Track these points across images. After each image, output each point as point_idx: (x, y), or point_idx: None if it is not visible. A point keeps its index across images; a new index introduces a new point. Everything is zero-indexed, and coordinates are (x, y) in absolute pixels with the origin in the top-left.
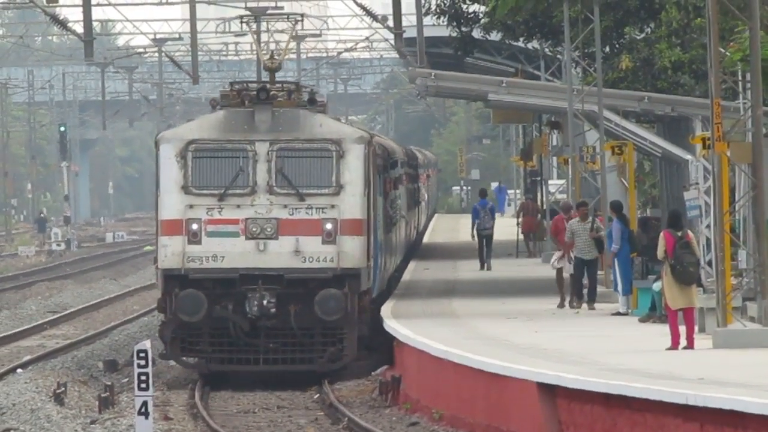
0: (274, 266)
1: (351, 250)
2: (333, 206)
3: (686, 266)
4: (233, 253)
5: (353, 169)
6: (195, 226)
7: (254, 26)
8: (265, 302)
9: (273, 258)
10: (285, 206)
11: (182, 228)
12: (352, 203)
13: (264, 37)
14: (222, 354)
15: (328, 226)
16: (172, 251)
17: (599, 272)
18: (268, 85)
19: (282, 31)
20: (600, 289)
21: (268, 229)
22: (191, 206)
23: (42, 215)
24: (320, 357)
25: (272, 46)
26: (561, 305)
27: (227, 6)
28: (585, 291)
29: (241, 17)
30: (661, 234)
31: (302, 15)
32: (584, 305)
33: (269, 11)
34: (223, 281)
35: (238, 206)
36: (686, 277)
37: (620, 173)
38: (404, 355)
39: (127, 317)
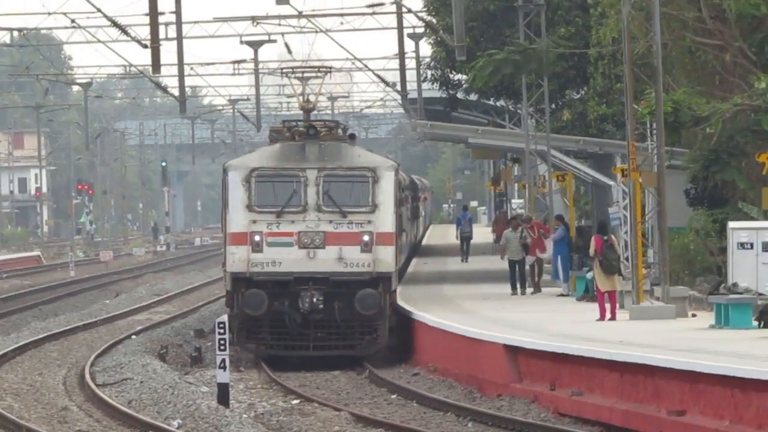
0: (322, 270)
1: (384, 258)
2: (369, 221)
3: (610, 261)
4: (289, 259)
5: (386, 191)
6: (257, 238)
7: (293, 77)
8: (314, 300)
9: (321, 264)
10: (330, 221)
11: (247, 239)
12: (385, 219)
13: (300, 85)
14: (279, 341)
15: (366, 237)
16: (239, 258)
17: (547, 265)
18: (315, 123)
19: (315, 82)
20: (546, 277)
21: (317, 240)
22: (254, 221)
23: (155, 226)
24: (359, 344)
25: (308, 92)
26: (523, 292)
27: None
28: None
29: (282, 69)
30: (592, 238)
31: (330, 68)
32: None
33: (305, 65)
34: (280, 282)
35: (293, 221)
36: (610, 268)
37: (563, 194)
38: (410, 325)
39: (210, 299)
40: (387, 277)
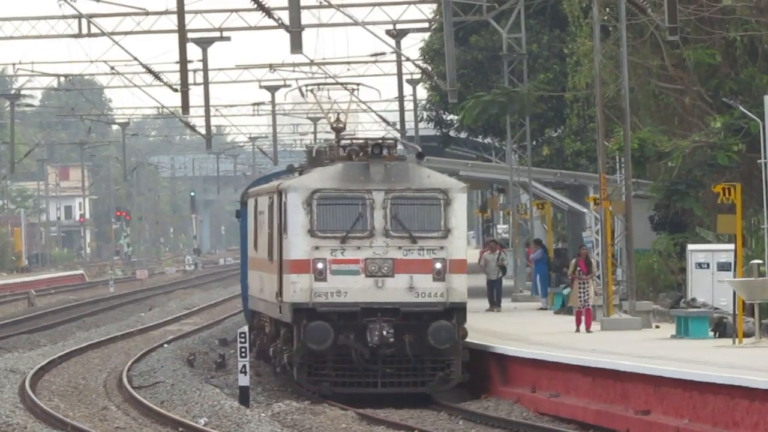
0: (391, 300)
1: (458, 287)
2: (442, 248)
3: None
4: (355, 288)
5: (459, 215)
6: (321, 265)
7: (319, 94)
8: (384, 332)
9: (390, 293)
10: (399, 248)
11: (309, 267)
12: (458, 245)
13: (327, 104)
14: (344, 378)
15: (438, 265)
16: (300, 287)
17: (528, 283)
18: (381, 142)
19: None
20: (527, 293)
21: (385, 268)
22: (317, 248)
23: (196, 248)
24: (430, 380)
25: (336, 110)
26: (498, 309)
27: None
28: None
29: (307, 86)
30: (577, 259)
31: (358, 84)
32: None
33: (330, 81)
34: (346, 314)
35: (359, 248)
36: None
37: (542, 220)
38: None
39: (233, 312)
40: (461, 308)
